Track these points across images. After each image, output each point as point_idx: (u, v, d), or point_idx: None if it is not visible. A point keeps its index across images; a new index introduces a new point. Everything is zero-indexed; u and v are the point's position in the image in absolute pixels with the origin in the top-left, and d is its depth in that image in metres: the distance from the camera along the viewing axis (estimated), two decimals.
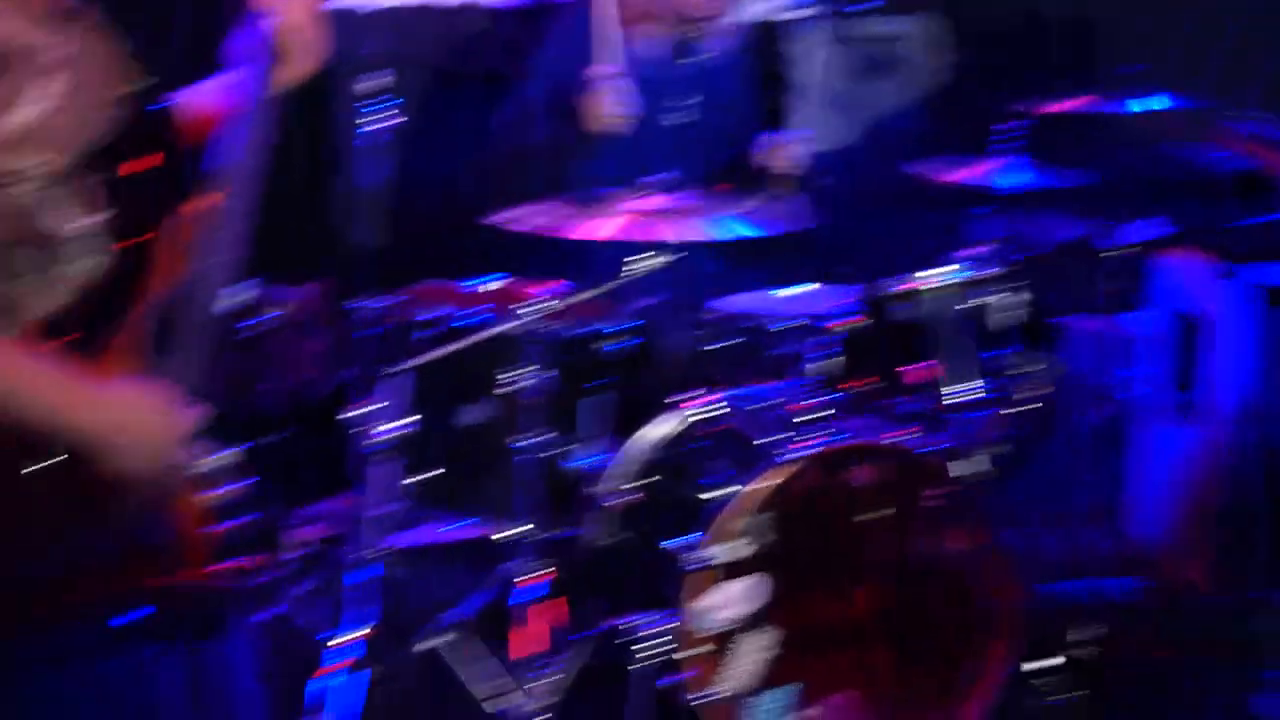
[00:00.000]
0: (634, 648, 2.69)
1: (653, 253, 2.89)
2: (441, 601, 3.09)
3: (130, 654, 1.87)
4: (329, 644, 2.84)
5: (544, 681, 2.82)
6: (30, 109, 1.76)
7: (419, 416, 2.93)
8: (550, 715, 2.81)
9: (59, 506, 1.78)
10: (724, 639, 2.64)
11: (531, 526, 2.90)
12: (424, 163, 3.64)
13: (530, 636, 2.85)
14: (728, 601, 2.61)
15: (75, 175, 1.81)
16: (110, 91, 1.87)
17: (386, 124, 2.94)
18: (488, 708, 2.82)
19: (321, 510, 3.29)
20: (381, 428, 2.88)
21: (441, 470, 2.96)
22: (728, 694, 2.63)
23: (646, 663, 2.70)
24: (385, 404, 2.87)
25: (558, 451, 2.94)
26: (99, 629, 1.83)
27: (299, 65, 1.97)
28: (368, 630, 2.88)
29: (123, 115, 1.87)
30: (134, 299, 1.85)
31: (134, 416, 1.79)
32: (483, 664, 2.89)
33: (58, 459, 1.74)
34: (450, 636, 2.97)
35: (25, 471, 1.74)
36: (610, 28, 3.52)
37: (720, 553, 2.62)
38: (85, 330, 1.81)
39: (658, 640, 2.66)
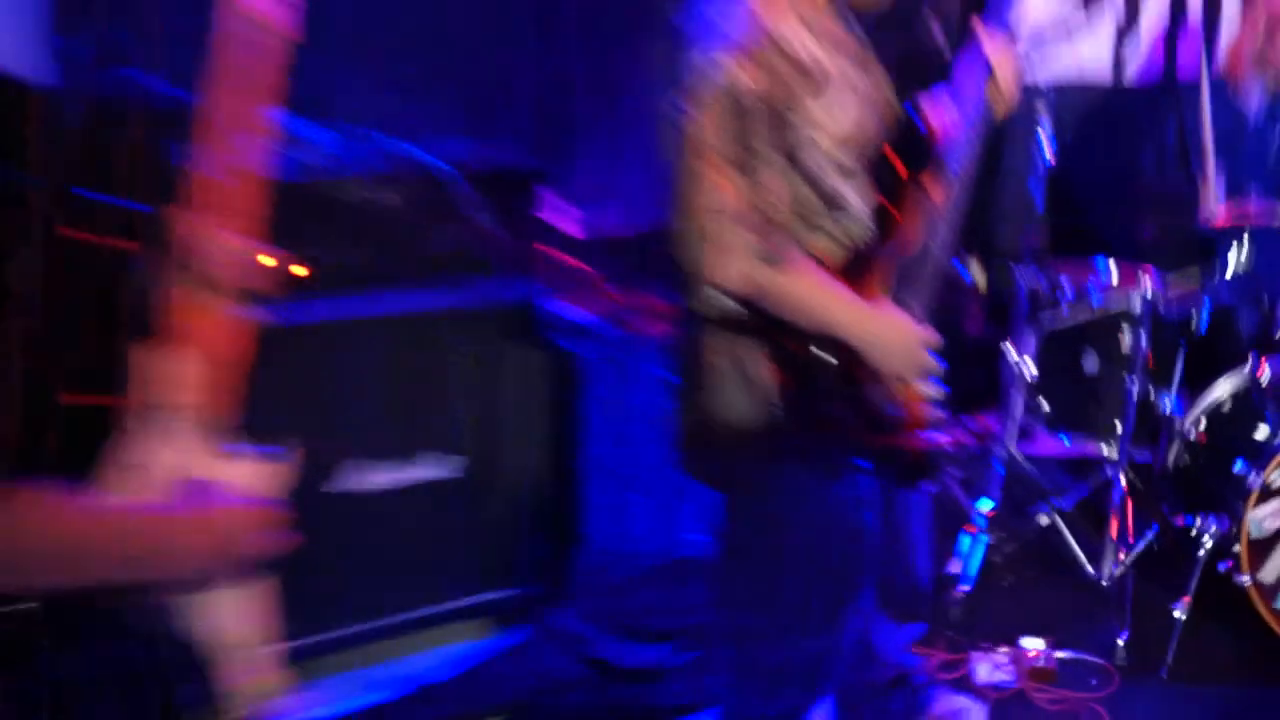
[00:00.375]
0: (1201, 539, 3.18)
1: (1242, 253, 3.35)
2: (1052, 493, 3.62)
3: (857, 487, 2.19)
4: (973, 512, 3.49)
5: (1127, 556, 3.37)
6: (843, 117, 2.03)
7: (1047, 361, 3.46)
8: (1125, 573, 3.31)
9: (839, 380, 2.05)
10: (1268, 543, 3.09)
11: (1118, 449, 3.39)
12: (1085, 167, 4.01)
13: (1118, 524, 3.39)
14: (1276, 514, 3.08)
15: (861, 164, 2.07)
16: (883, 105, 2.16)
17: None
18: (1087, 569, 3.35)
19: (977, 420, 3.89)
20: (1025, 366, 3.43)
21: (1063, 400, 3.50)
22: (1269, 582, 3.10)
23: (1208, 551, 3.16)
24: (1026, 351, 3.42)
25: (1151, 395, 3.45)
26: (845, 462, 2.15)
27: (1006, 100, 2.21)
28: (992, 509, 3.48)
29: (889, 122, 2.15)
30: (886, 251, 2.10)
31: (889, 326, 2.06)
32: (1080, 539, 3.45)
33: (837, 351, 2.01)
34: (1053, 519, 3.55)
35: (816, 354, 2.02)
36: None
37: (1273, 478, 3.06)
38: (855, 269, 2.07)
39: (1219, 536, 3.15)
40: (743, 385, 2.11)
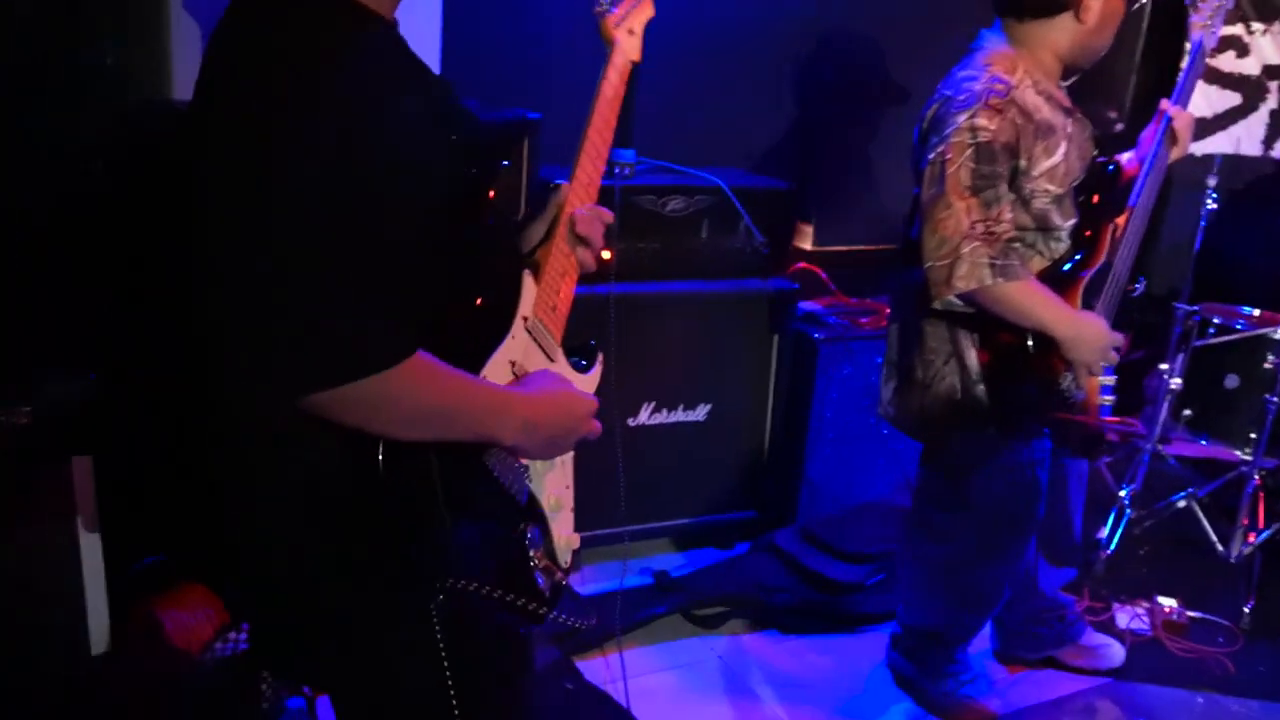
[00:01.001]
0: None
1: None
2: (1187, 482, 3.45)
3: (1035, 451, 2.16)
4: (1119, 490, 3.36)
5: (1255, 539, 3.17)
6: (1056, 157, 2.04)
7: (1193, 376, 3.28)
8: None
9: (1039, 367, 2.03)
10: None
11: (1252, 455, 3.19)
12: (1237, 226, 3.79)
13: (1248, 514, 3.19)
14: None
15: (1067, 196, 2.08)
16: (1086, 148, 2.12)
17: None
18: (1219, 549, 3.18)
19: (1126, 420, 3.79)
20: (1169, 378, 3.27)
21: (1202, 408, 3.32)
22: None
23: None
24: (1174, 365, 3.27)
25: None
26: (1033, 431, 2.15)
27: (1181, 147, 2.23)
28: (1135, 489, 3.34)
29: (1089, 161, 2.15)
30: (1082, 265, 2.11)
31: (1086, 327, 2.02)
32: (1213, 524, 3.26)
33: (1043, 344, 2.00)
34: (1187, 504, 3.35)
35: (1027, 345, 2.00)
36: None
37: None
38: (1059, 280, 2.05)
39: None
40: (956, 368, 2.14)
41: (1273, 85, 4.56)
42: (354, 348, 1.07)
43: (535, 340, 1.36)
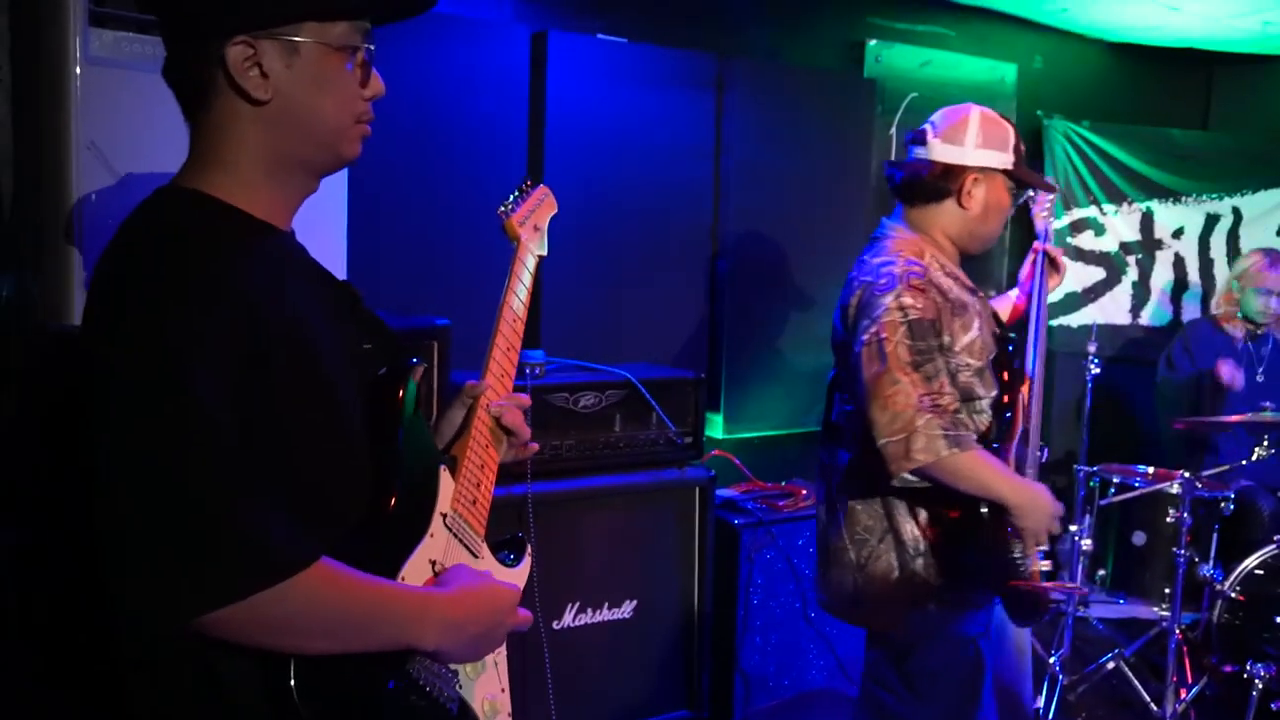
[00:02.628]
0: (1255, 680, 2.96)
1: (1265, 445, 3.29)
2: (1113, 643, 3.43)
3: (979, 623, 2.15)
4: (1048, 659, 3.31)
5: (1186, 696, 3.13)
6: (973, 333, 2.08)
7: (1102, 537, 3.42)
8: None
9: (986, 536, 2.00)
10: None
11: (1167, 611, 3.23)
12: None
13: (1176, 671, 3.17)
14: None
15: (986, 368, 2.11)
16: (991, 326, 2.15)
17: None
18: (1153, 709, 3.12)
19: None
20: (1079, 540, 3.27)
21: (1115, 567, 3.44)
22: None
23: (1260, 690, 2.94)
24: (1082, 529, 3.32)
25: (1195, 563, 3.30)
26: (975, 602, 2.10)
27: (1060, 276, 2.35)
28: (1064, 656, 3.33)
29: (1000, 346, 2.13)
30: (1008, 438, 2.08)
31: (1034, 495, 1.99)
32: (1143, 682, 3.22)
33: (989, 515, 1.98)
34: (1116, 664, 3.33)
35: (980, 514, 1.98)
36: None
37: None
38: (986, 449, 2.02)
39: (1268, 679, 2.94)
40: (892, 544, 2.11)
41: (1130, 260, 4.92)
42: (246, 558, 1.00)
43: (457, 537, 1.31)
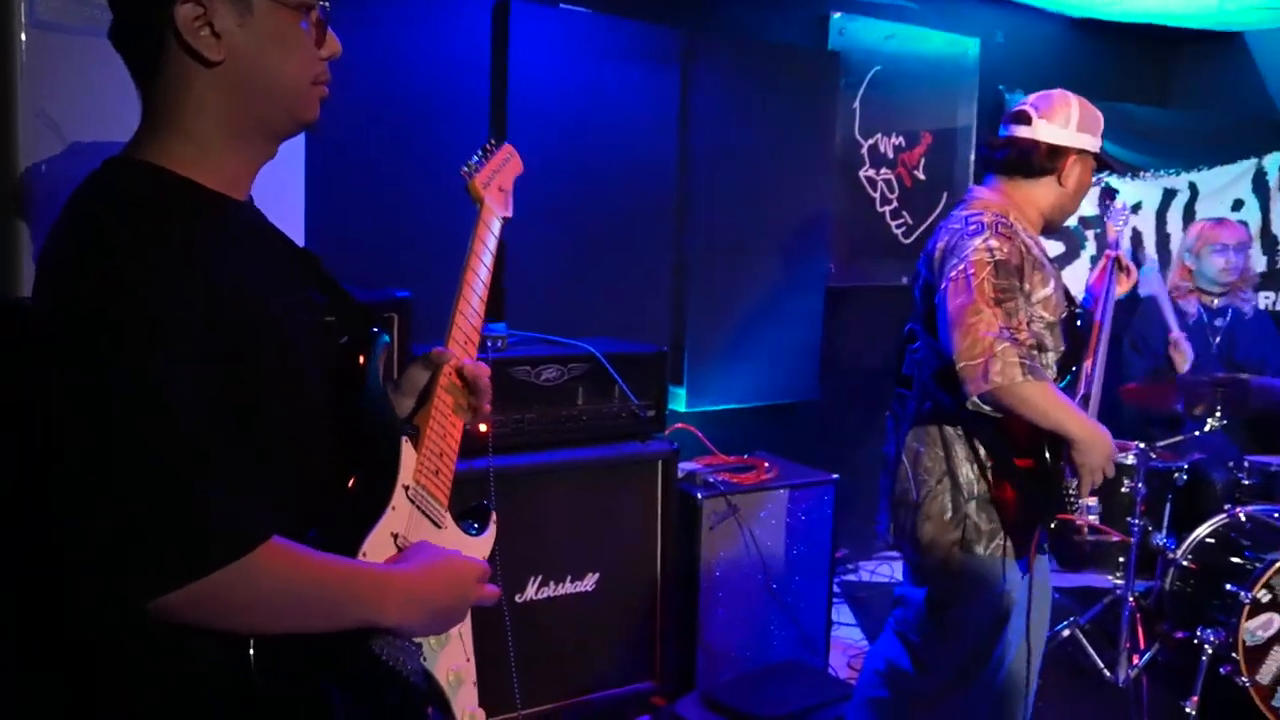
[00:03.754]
0: (1204, 646, 3.00)
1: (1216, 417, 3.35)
2: (1069, 611, 3.45)
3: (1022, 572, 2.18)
4: None
5: (1139, 662, 3.19)
6: (1050, 289, 2.21)
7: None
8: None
9: (1053, 473, 2.11)
10: (1263, 649, 2.97)
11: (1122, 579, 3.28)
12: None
13: (1129, 638, 3.21)
14: (1265, 625, 2.98)
15: (1057, 325, 2.24)
16: (1061, 298, 2.25)
17: None
18: (1106, 675, 3.19)
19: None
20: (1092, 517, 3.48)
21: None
22: (1266, 683, 2.98)
23: (1211, 656, 2.99)
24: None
25: (1149, 533, 3.31)
26: (1024, 547, 2.17)
27: (1131, 280, 2.53)
28: None
29: (1068, 308, 2.27)
30: (1069, 394, 2.18)
31: (1097, 432, 2.10)
32: (1097, 650, 3.27)
33: (1050, 450, 2.10)
34: (1071, 632, 3.38)
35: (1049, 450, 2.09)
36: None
37: (1260, 595, 2.95)
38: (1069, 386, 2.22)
39: (1217, 645, 2.99)
40: (949, 486, 2.26)
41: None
42: (196, 540, 0.98)
43: (419, 509, 1.28)
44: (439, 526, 1.32)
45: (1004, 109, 4.68)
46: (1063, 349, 2.26)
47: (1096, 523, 2.28)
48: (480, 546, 1.40)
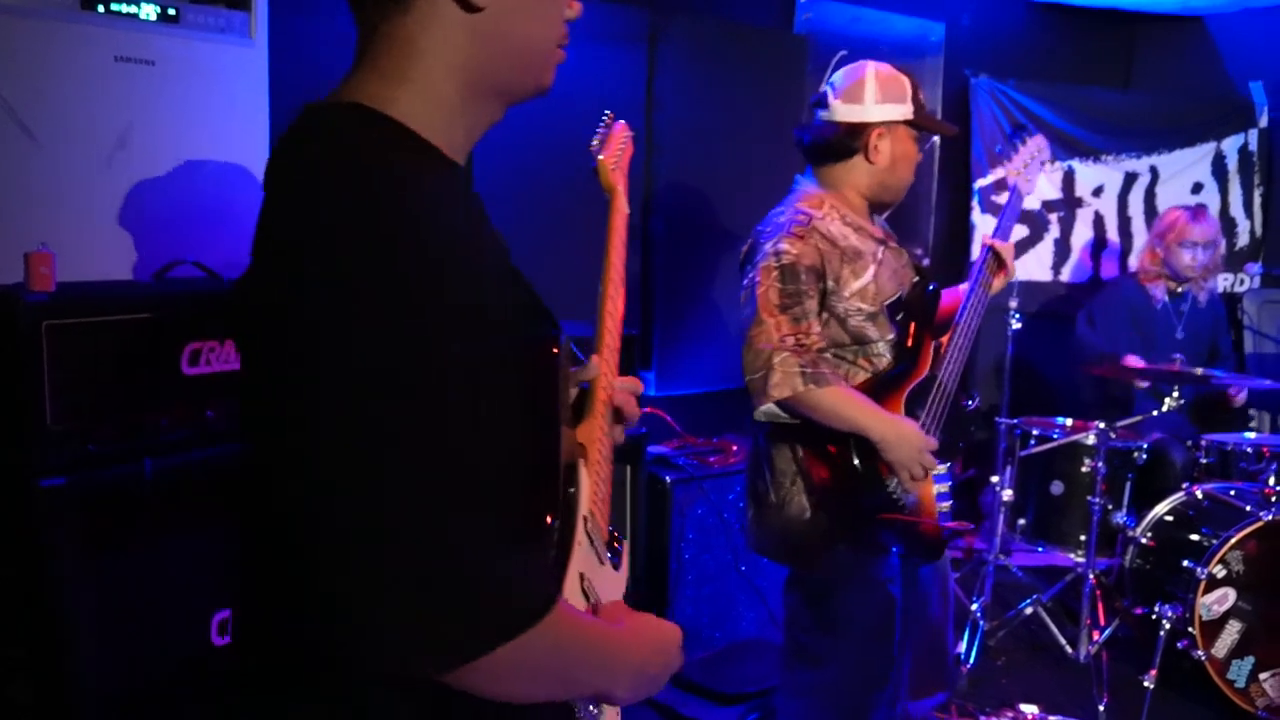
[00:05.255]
0: (1162, 622, 2.87)
1: (1175, 397, 3.41)
2: (1032, 589, 3.53)
3: (888, 566, 2.21)
4: (970, 605, 3.42)
5: (1100, 638, 3.23)
6: (865, 279, 2.15)
7: (1022, 487, 3.50)
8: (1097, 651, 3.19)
9: (870, 475, 2.06)
10: (1218, 623, 3.05)
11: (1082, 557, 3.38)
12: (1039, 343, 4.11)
13: (1089, 615, 3.30)
14: (1221, 600, 3.04)
15: (880, 313, 2.18)
16: (904, 275, 2.25)
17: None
18: (1069, 651, 3.27)
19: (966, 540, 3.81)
20: (1001, 490, 3.44)
21: (1035, 517, 3.53)
22: (1221, 656, 3.04)
23: (1169, 631, 2.88)
24: (1005, 480, 3.45)
25: (1109, 511, 3.42)
26: (879, 543, 2.15)
27: (1008, 275, 2.36)
28: (985, 603, 3.46)
29: (909, 289, 2.25)
30: (906, 378, 2.16)
31: (899, 429, 2.07)
32: (1059, 627, 3.37)
33: (864, 449, 2.04)
34: (1034, 609, 3.48)
35: (849, 454, 2.05)
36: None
37: (1215, 570, 3.01)
38: (878, 388, 2.13)
39: (1174, 620, 2.87)
40: (802, 488, 2.19)
41: (1053, 218, 5.02)
42: (498, 603, 0.81)
43: (592, 543, 1.12)
44: (600, 563, 1.15)
45: (969, 92, 4.74)
46: (889, 335, 2.19)
47: (947, 516, 2.20)
48: (620, 582, 1.22)
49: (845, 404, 2.06)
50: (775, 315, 2.06)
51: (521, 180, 3.41)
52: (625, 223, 1.27)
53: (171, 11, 2.12)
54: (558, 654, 0.88)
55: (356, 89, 0.94)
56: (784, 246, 2.10)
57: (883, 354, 2.20)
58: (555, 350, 1.03)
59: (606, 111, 1.35)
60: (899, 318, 2.23)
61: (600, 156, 1.27)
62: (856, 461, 2.07)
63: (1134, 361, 3.72)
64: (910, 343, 2.21)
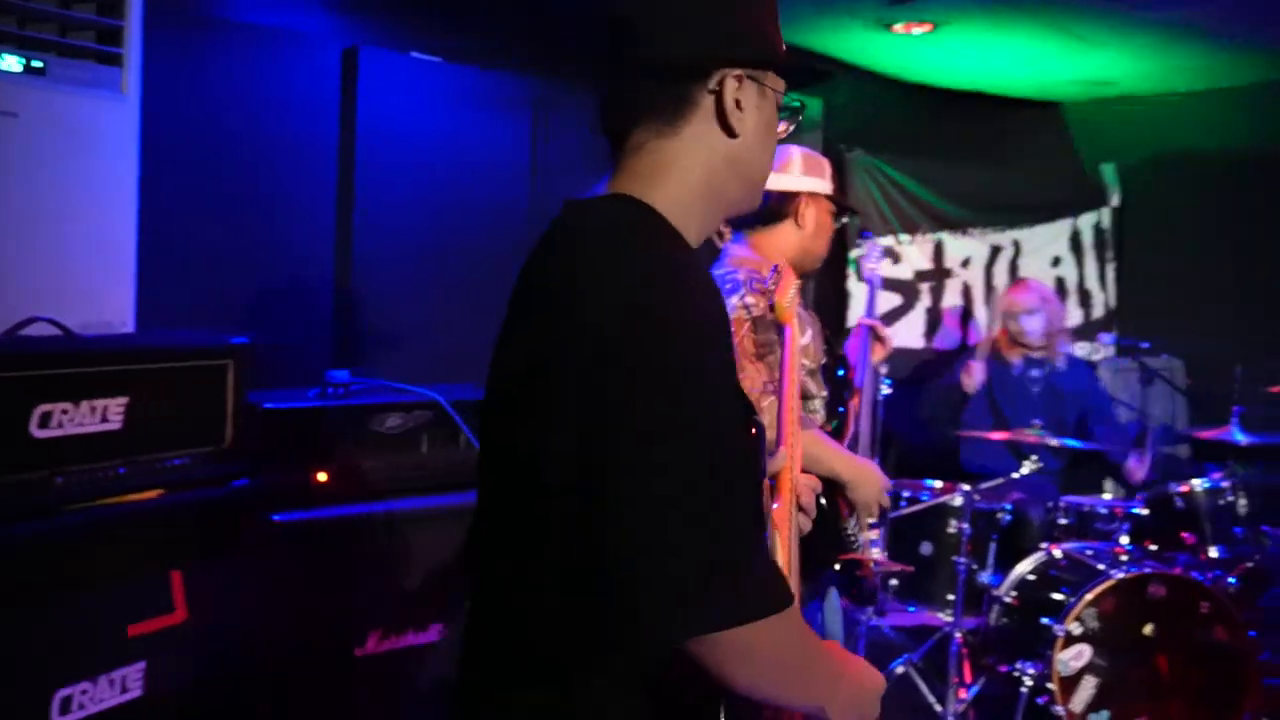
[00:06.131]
0: (1024, 678, 3.20)
1: (1034, 460, 3.63)
2: (903, 649, 3.64)
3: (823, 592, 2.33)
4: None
5: (966, 696, 3.36)
6: (807, 338, 2.30)
7: (892, 549, 3.44)
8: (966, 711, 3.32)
9: (830, 512, 2.18)
10: (1075, 678, 3.16)
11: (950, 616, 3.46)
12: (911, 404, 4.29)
13: (956, 673, 3.43)
14: (1077, 656, 3.17)
15: (819, 372, 2.36)
16: (820, 345, 2.42)
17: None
18: (937, 709, 3.35)
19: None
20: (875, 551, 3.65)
21: (906, 577, 3.55)
22: (1078, 710, 3.15)
23: (1030, 687, 3.18)
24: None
25: (975, 570, 3.53)
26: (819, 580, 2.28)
27: (887, 348, 2.77)
28: None
29: (827, 354, 2.43)
30: (841, 436, 2.36)
31: (867, 470, 2.23)
32: (929, 686, 3.47)
33: (829, 489, 2.11)
34: (905, 669, 3.53)
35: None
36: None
37: (1072, 627, 3.13)
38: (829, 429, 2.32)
39: (1036, 676, 3.18)
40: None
41: (924, 286, 5.25)
42: (761, 583, 1.00)
43: None
44: None
45: (845, 166, 4.95)
46: (825, 393, 2.34)
47: (882, 557, 2.37)
48: None
49: (821, 446, 2.16)
50: (754, 363, 2.13)
51: (417, 241, 3.41)
52: (798, 349, 1.58)
53: (37, 64, 2.09)
54: (801, 646, 1.05)
55: (628, 187, 1.14)
56: (750, 300, 2.19)
57: (818, 410, 2.32)
58: (755, 431, 1.18)
59: (776, 267, 1.70)
60: (828, 378, 2.39)
61: (772, 289, 1.65)
62: (823, 500, 2.14)
63: (974, 372, 4.06)
64: (839, 404, 2.39)
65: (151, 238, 2.82)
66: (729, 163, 1.15)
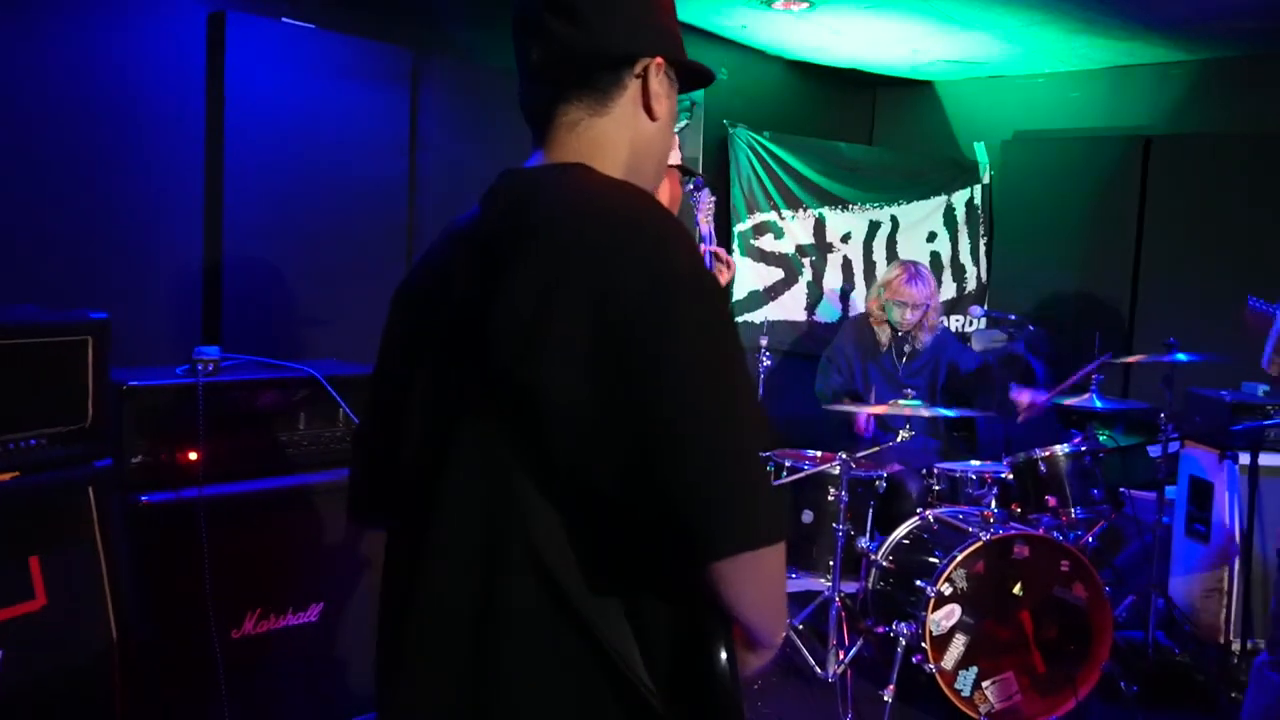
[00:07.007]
0: (899, 639, 3.30)
1: (906, 429, 3.72)
2: (791, 613, 3.82)
3: None
4: None
5: (845, 658, 3.43)
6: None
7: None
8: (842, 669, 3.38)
9: None
10: (946, 637, 3.29)
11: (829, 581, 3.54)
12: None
13: (835, 636, 3.49)
14: (948, 615, 3.30)
15: None
16: None
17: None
18: (818, 671, 3.43)
19: None
20: None
21: (788, 544, 3.81)
22: (949, 667, 3.28)
23: (905, 647, 3.29)
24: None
25: (853, 536, 3.63)
26: None
27: (727, 275, 2.95)
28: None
29: None
30: None
31: None
32: (810, 649, 3.53)
33: None
34: (786, 634, 3.58)
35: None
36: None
37: (944, 589, 3.26)
38: None
39: (910, 637, 3.29)
40: None
41: (806, 261, 5.37)
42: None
43: None
44: None
45: (728, 141, 5.01)
46: None
47: None
48: None
49: None
50: None
51: (291, 214, 3.33)
52: None
53: None
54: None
55: (572, 157, 1.22)
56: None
57: None
58: None
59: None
60: None
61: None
62: None
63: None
64: None
65: (2, 215, 2.70)
66: (647, 143, 1.26)
